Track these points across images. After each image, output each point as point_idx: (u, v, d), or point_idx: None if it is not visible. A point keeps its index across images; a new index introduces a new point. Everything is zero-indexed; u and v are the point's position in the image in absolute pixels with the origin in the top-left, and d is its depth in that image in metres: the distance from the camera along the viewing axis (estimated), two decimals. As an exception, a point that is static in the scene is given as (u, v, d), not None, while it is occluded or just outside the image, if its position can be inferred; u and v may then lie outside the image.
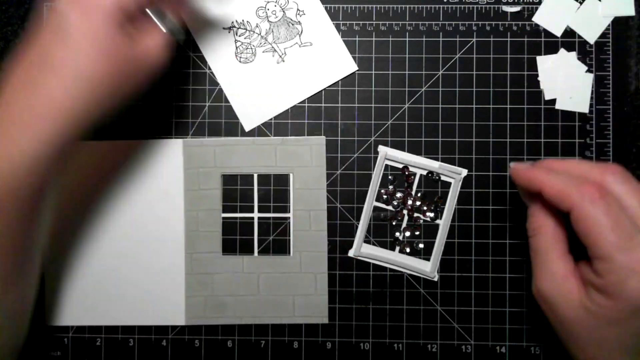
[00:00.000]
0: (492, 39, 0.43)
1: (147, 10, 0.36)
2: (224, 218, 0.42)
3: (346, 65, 0.43)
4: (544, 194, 0.31)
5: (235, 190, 0.43)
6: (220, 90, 0.43)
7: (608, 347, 0.29)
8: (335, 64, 0.43)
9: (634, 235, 0.28)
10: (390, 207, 0.43)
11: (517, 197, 0.42)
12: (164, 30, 0.36)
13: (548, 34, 0.43)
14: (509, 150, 0.42)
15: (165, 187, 0.42)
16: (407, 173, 0.42)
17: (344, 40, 0.43)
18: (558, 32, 0.43)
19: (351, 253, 0.42)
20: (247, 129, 0.43)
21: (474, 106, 0.43)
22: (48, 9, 0.39)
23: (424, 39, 0.43)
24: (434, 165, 0.42)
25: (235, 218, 0.43)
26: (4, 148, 0.31)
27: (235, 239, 0.43)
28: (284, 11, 0.43)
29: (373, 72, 0.43)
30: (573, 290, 0.30)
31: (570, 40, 0.42)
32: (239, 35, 0.43)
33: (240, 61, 0.43)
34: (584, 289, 0.30)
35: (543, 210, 0.32)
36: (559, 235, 0.32)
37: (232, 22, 0.43)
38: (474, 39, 0.43)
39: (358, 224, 0.42)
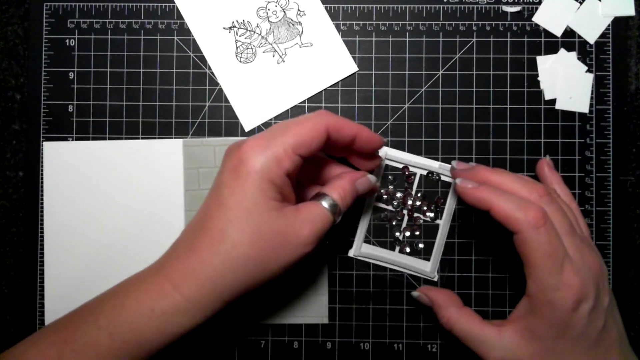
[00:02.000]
0: (492, 39, 0.43)
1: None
2: (224, 218, 0.42)
3: (346, 65, 0.43)
4: (492, 214, 0.32)
5: (235, 190, 0.43)
6: (220, 90, 0.43)
7: None
8: (336, 65, 0.43)
9: (564, 260, 0.31)
10: (390, 207, 0.43)
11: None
12: (325, 207, 0.33)
13: (548, 34, 0.43)
14: (509, 150, 0.42)
15: (165, 187, 0.42)
16: (407, 173, 0.42)
17: (344, 40, 0.43)
18: (558, 32, 0.43)
19: (351, 253, 0.42)
20: (247, 129, 0.43)
21: (474, 106, 0.43)
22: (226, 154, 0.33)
23: (424, 39, 0.43)
24: (434, 165, 0.42)
25: (235, 218, 0.42)
26: (148, 299, 0.31)
27: (235, 239, 0.42)
28: (284, 11, 0.43)
29: (373, 72, 0.43)
30: (511, 335, 0.33)
31: (570, 40, 0.42)
32: (240, 35, 0.43)
33: (240, 61, 0.43)
34: (519, 329, 0.33)
35: (442, 304, 0.37)
36: (469, 313, 0.36)
37: (233, 22, 0.43)
38: (474, 39, 0.43)
39: (358, 224, 0.42)
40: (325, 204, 0.33)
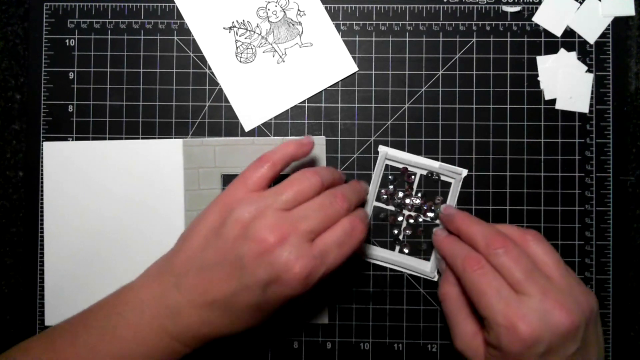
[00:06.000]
0: (492, 39, 0.43)
1: None
2: (224, 218, 0.42)
3: (346, 65, 0.43)
4: (446, 261, 0.37)
5: (235, 190, 0.42)
6: (220, 90, 0.43)
7: None
8: (336, 65, 0.43)
9: (510, 299, 0.32)
10: (390, 207, 0.43)
11: (517, 197, 0.42)
12: None
13: (548, 34, 0.43)
14: (509, 150, 0.42)
15: (165, 187, 0.42)
16: (407, 173, 0.42)
17: (344, 40, 0.43)
18: (558, 32, 0.43)
19: (351, 253, 0.42)
20: (247, 129, 0.43)
21: (474, 106, 0.43)
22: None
23: (424, 39, 0.43)
24: (434, 165, 0.42)
25: (235, 218, 0.42)
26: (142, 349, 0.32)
27: (235, 239, 0.42)
28: (284, 11, 0.43)
29: (373, 72, 0.43)
30: (479, 346, 0.34)
31: (570, 40, 0.42)
32: (240, 35, 0.43)
33: (240, 61, 0.43)
34: (485, 346, 0.34)
35: (449, 280, 0.37)
36: (463, 301, 0.36)
37: (233, 22, 0.43)
38: (474, 39, 0.43)
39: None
40: None
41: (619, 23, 0.42)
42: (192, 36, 0.43)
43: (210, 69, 0.43)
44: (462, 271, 0.34)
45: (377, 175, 0.42)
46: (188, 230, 0.35)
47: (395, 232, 0.42)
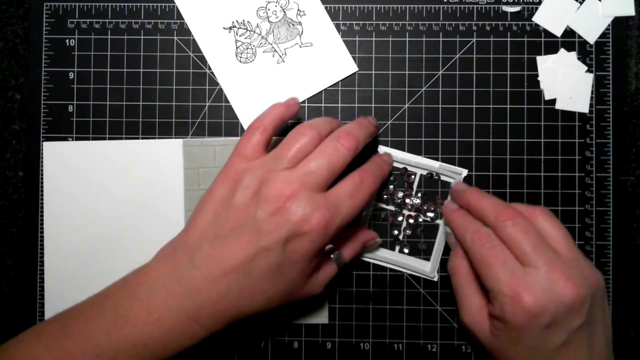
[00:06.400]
0: (492, 39, 0.43)
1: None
2: (224, 218, 0.42)
3: (346, 66, 0.43)
4: (455, 235, 0.37)
5: (235, 190, 0.42)
6: (220, 90, 0.43)
7: None
8: (336, 65, 0.43)
9: (516, 271, 0.32)
10: (390, 207, 0.43)
11: (516, 198, 0.42)
12: (337, 265, 0.38)
13: (548, 34, 0.43)
14: (509, 150, 0.42)
15: (165, 187, 0.42)
16: (407, 173, 0.42)
17: (344, 40, 0.43)
18: (558, 32, 0.43)
19: (351, 253, 0.42)
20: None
21: (474, 106, 0.43)
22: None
23: (424, 39, 0.43)
24: (434, 165, 0.42)
25: (235, 218, 0.42)
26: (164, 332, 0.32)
27: (235, 239, 0.42)
28: (284, 11, 0.43)
29: (373, 72, 0.43)
30: (485, 320, 0.35)
31: (570, 40, 0.42)
32: (240, 35, 0.43)
33: (240, 61, 0.43)
34: (490, 320, 0.34)
35: (458, 254, 0.37)
36: (472, 275, 0.36)
37: (233, 22, 0.43)
38: (474, 39, 0.43)
39: (358, 224, 0.42)
40: (337, 261, 0.37)
41: (619, 23, 0.42)
42: (192, 36, 0.43)
43: (210, 69, 0.43)
44: (470, 244, 0.35)
45: (377, 175, 0.42)
46: (196, 209, 0.35)
47: (395, 232, 0.42)
